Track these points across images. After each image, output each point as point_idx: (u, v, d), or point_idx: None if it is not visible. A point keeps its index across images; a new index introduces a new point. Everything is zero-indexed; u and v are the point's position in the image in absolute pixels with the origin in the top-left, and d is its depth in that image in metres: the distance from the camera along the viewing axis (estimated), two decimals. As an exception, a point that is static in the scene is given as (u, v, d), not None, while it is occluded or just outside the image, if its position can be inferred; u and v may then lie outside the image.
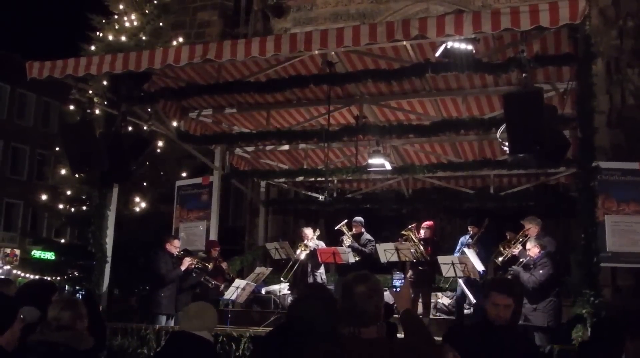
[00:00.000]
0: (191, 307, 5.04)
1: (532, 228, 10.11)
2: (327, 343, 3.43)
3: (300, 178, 14.43)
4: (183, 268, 10.88)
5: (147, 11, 17.45)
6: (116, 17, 17.40)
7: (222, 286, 11.35)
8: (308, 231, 12.49)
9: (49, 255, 23.42)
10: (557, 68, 9.96)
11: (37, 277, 17.58)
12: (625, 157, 12.43)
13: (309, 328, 3.96)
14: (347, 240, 12.19)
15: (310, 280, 12.10)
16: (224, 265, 11.85)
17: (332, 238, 12.90)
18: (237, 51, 8.63)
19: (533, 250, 9.56)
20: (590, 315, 7.65)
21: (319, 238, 12.77)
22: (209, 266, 11.20)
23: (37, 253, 29.31)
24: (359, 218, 12.53)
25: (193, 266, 11.04)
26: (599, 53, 12.38)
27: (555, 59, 9.42)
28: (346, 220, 12.56)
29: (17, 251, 32.64)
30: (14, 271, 30.47)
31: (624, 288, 13.06)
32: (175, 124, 12.69)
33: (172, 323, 10.62)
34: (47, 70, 9.71)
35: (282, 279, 12.41)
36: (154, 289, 10.93)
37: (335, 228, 12.53)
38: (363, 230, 12.38)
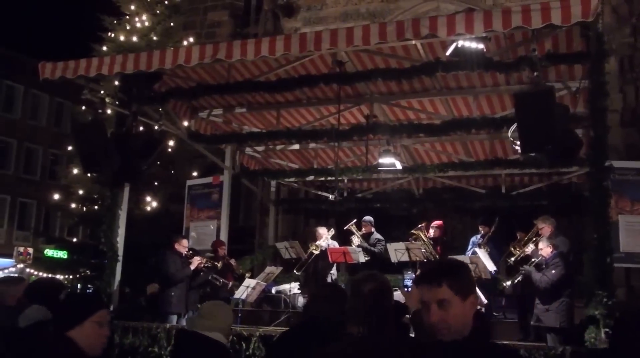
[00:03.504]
0: (204, 306, 4.86)
1: (545, 227, 10.05)
2: (335, 342, 3.40)
3: (311, 178, 14.43)
4: (193, 267, 10.93)
5: (158, 11, 17.55)
6: (127, 17, 17.51)
7: (231, 284, 11.37)
8: (322, 231, 12.48)
9: (62, 254, 23.52)
10: (569, 66, 9.91)
11: (47, 275, 17.66)
12: (639, 156, 12.33)
13: (323, 328, 3.94)
14: (356, 240, 12.16)
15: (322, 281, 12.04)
16: (232, 262, 11.87)
17: (342, 237, 12.87)
18: (247, 51, 8.63)
19: (545, 249, 9.49)
20: (603, 317, 7.58)
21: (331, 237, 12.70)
22: (218, 266, 11.23)
23: (49, 252, 29.45)
24: (368, 218, 12.50)
25: (202, 265, 11.09)
26: (611, 51, 12.30)
27: (567, 57, 9.36)
28: (355, 220, 12.54)
29: (30, 250, 32.77)
30: (27, 270, 30.61)
31: (637, 289, 12.95)
32: (185, 123, 12.75)
33: (183, 322, 10.64)
34: (60, 71, 9.78)
35: (295, 272, 12.36)
36: (164, 288, 10.96)
37: (345, 228, 12.51)
38: (373, 229, 12.35)
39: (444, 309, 2.72)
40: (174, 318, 10.72)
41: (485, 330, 2.92)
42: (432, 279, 2.79)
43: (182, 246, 11.12)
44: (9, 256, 32.63)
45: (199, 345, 4.57)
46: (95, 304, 3.73)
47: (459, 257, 10.50)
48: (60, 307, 3.81)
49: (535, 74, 8.29)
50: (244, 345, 8.58)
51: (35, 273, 29.14)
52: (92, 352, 3.58)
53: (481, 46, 8.85)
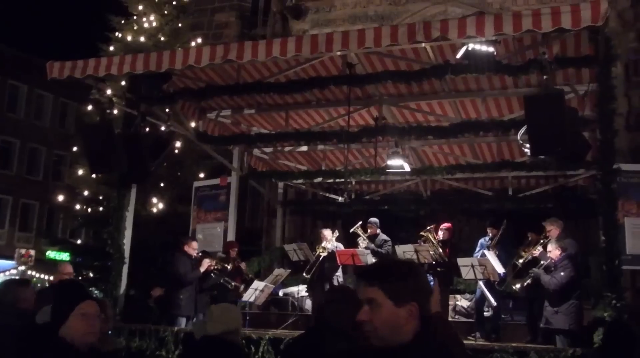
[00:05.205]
0: (214, 310, 4.85)
1: (553, 229, 10.06)
2: (347, 344, 3.42)
3: (319, 179, 14.45)
4: (202, 269, 10.88)
5: (165, 12, 17.55)
6: (135, 18, 17.50)
7: (242, 287, 11.33)
8: (326, 233, 12.44)
9: (64, 256, 23.48)
10: (577, 70, 9.93)
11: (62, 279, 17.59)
12: (644, 159, 12.39)
13: (336, 332, 3.97)
14: (363, 242, 12.17)
15: (328, 283, 12.00)
16: (243, 266, 11.85)
17: (349, 239, 12.87)
18: (259, 52, 8.69)
19: (554, 251, 9.51)
20: (611, 318, 7.61)
21: (337, 239, 12.69)
22: (228, 268, 11.21)
23: (52, 254, 29.38)
24: (373, 219, 12.51)
25: (212, 267, 11.06)
26: (617, 55, 12.34)
27: (576, 61, 9.39)
28: (361, 222, 12.53)
29: (32, 252, 32.72)
30: (29, 272, 30.53)
31: (644, 291, 12.97)
32: (193, 124, 12.74)
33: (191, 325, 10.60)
34: (68, 70, 9.79)
35: (304, 274, 12.33)
36: (172, 291, 10.91)
37: (351, 230, 12.51)
38: (378, 231, 12.35)
39: (372, 310, 2.58)
40: (183, 320, 10.67)
41: (428, 336, 2.62)
42: (367, 277, 2.68)
43: (192, 248, 11.09)
44: (11, 258, 32.54)
45: (217, 348, 4.57)
46: (75, 297, 3.74)
47: (467, 259, 10.55)
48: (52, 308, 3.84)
49: (544, 77, 8.33)
50: (253, 348, 8.58)
51: (38, 275, 29.07)
52: (82, 345, 3.61)
53: (491, 49, 8.89)
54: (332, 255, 12.02)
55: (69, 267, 9.22)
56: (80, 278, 17.55)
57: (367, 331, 2.58)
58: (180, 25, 17.65)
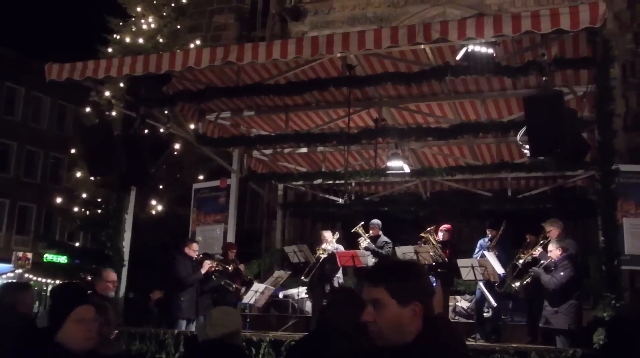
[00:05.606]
0: (213, 314, 4.88)
1: (553, 230, 10.08)
2: (350, 345, 3.42)
3: (319, 181, 14.46)
4: (203, 271, 10.84)
5: (164, 14, 17.54)
6: (133, 19, 17.49)
7: (243, 289, 11.31)
8: (327, 234, 12.42)
9: (62, 259, 23.38)
10: (575, 71, 9.97)
11: (61, 281, 17.59)
12: (642, 160, 12.43)
13: (339, 333, 3.98)
14: (364, 242, 12.17)
15: (328, 285, 12.01)
16: (242, 267, 11.84)
17: (349, 240, 12.89)
18: (259, 54, 8.67)
19: (555, 251, 9.53)
20: (613, 317, 7.62)
21: (337, 241, 12.68)
22: (230, 269, 11.20)
23: (49, 257, 29.23)
24: (376, 221, 12.51)
25: (213, 269, 11.03)
26: (614, 57, 12.39)
27: (575, 63, 9.42)
28: (363, 222, 12.54)
29: (29, 255, 32.58)
30: (26, 275, 30.43)
31: (642, 292, 13.00)
32: (192, 126, 12.72)
33: (192, 327, 10.55)
34: (67, 72, 9.72)
35: (302, 278, 12.33)
36: (173, 293, 10.87)
37: (352, 230, 12.52)
38: (380, 232, 12.35)
39: (376, 310, 2.61)
40: (184, 323, 10.64)
41: (431, 336, 2.61)
42: (371, 278, 2.70)
43: (193, 250, 11.05)
44: (8, 261, 32.42)
45: (218, 351, 4.58)
46: (70, 302, 3.70)
47: (467, 260, 10.58)
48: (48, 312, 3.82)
49: (544, 78, 8.36)
50: (253, 350, 8.57)
51: (35, 278, 28.93)
52: (80, 349, 3.59)
53: (491, 50, 8.93)
54: (332, 256, 12.01)
55: (112, 274, 8.49)
56: (77, 281, 17.56)
57: (372, 331, 2.61)
58: (179, 27, 17.64)
